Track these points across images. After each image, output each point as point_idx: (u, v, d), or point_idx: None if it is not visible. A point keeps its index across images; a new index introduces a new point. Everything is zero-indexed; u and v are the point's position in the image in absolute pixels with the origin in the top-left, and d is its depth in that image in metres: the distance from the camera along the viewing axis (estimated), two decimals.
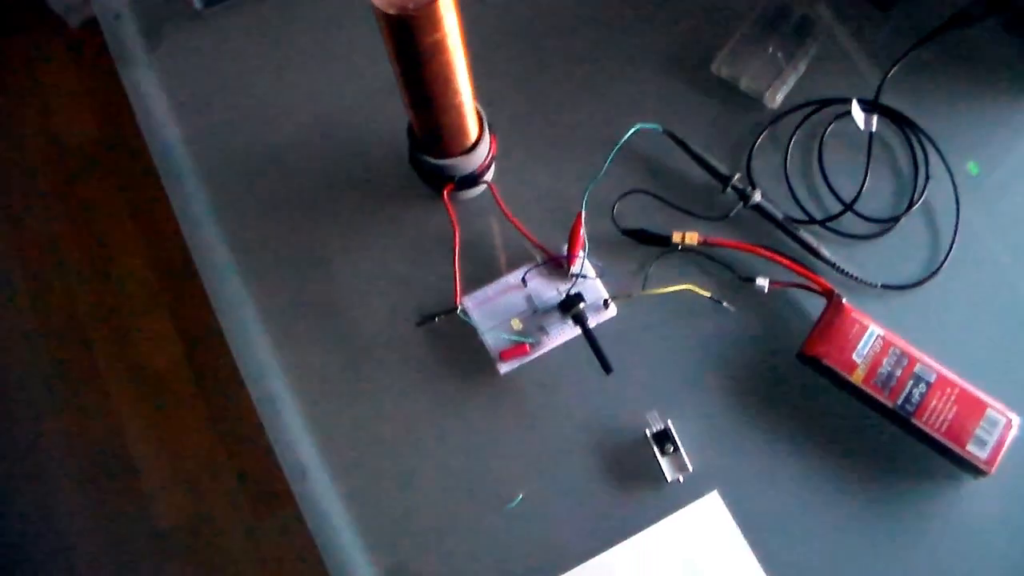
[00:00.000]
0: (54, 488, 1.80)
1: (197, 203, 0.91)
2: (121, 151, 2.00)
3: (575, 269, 0.82)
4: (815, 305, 0.80)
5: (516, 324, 0.81)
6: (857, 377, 0.76)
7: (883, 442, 0.77)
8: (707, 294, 0.81)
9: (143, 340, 1.89)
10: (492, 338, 0.81)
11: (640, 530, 0.76)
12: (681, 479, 0.77)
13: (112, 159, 2.01)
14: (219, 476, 1.78)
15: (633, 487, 0.78)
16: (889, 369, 0.76)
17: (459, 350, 0.82)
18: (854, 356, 0.76)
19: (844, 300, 0.78)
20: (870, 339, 0.77)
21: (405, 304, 0.84)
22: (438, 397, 0.82)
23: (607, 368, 0.77)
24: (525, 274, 0.82)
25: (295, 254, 0.88)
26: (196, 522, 1.75)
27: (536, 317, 0.82)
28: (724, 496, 0.77)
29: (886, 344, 0.77)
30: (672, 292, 0.81)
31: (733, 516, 0.76)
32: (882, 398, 0.75)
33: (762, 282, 0.81)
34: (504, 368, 0.80)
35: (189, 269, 0.88)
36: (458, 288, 0.81)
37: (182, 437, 1.82)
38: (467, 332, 0.81)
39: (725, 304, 0.82)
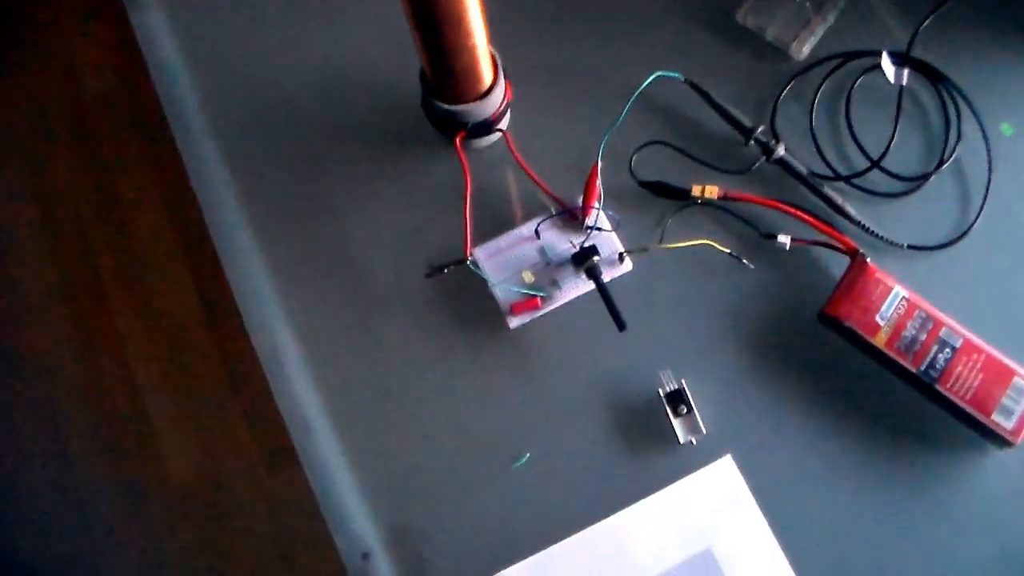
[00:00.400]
0: (68, 441, 1.79)
1: (205, 148, 0.88)
2: (141, 102, 1.97)
3: (590, 221, 0.79)
4: (838, 264, 0.77)
5: (528, 277, 0.79)
6: (880, 340, 0.73)
7: (905, 409, 0.75)
8: (726, 250, 0.79)
9: (160, 293, 1.87)
10: (503, 291, 0.78)
11: (650, 493, 0.74)
12: (694, 441, 0.75)
13: (131, 109, 1.99)
14: (232, 431, 1.77)
15: (644, 449, 0.76)
16: (913, 333, 0.73)
17: (468, 303, 0.80)
18: (877, 318, 0.74)
19: (868, 260, 0.76)
20: (894, 301, 0.74)
21: (414, 254, 0.81)
22: (446, 350, 0.80)
23: (620, 325, 0.75)
24: (538, 225, 0.80)
25: (303, 201, 0.86)
26: (209, 477, 1.74)
27: (549, 270, 0.79)
28: (738, 460, 0.75)
29: (911, 307, 0.74)
30: (690, 247, 0.78)
31: (747, 481, 0.74)
32: (905, 363, 0.73)
33: (784, 239, 0.78)
34: (514, 322, 0.78)
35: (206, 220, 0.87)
36: (468, 239, 0.78)
37: (196, 391, 1.80)
38: (477, 284, 0.79)
39: (745, 261, 0.79)
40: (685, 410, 0.75)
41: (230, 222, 0.85)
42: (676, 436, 0.75)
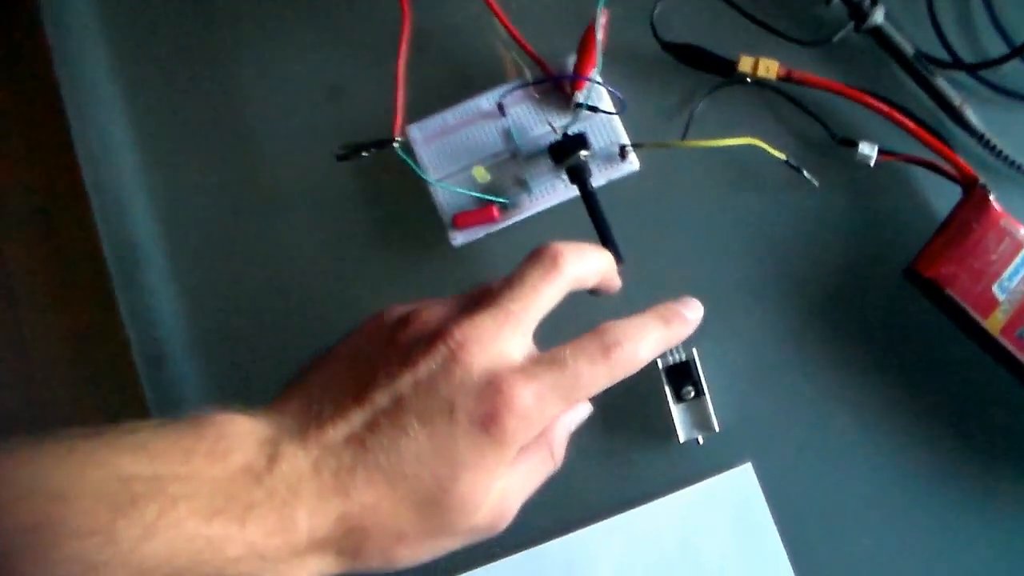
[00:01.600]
0: (15, 286, 1.69)
1: None
2: None
3: (581, 97, 0.56)
4: (945, 197, 0.54)
5: (481, 174, 0.56)
6: (994, 323, 0.50)
7: (1013, 422, 0.54)
8: (781, 156, 0.56)
9: None
10: (445, 192, 0.56)
11: (629, 507, 0.55)
12: (700, 440, 0.54)
13: None
14: None
15: (630, 443, 0.56)
16: None
17: (396, 204, 0.58)
18: (995, 288, 0.51)
19: (992, 197, 0.52)
20: None
21: (327, 126, 0.59)
22: (360, 267, 0.59)
23: (616, 255, 0.52)
24: (504, 96, 0.56)
25: (184, 38, 0.63)
26: None
27: (514, 164, 0.57)
28: (760, 473, 0.54)
29: None
30: (728, 147, 0.55)
31: (769, 503, 0.54)
32: None
33: (868, 150, 0.55)
34: (459, 239, 0.56)
35: None
36: (399, 110, 0.54)
37: None
38: (410, 178, 0.56)
39: (806, 174, 0.56)
40: (692, 393, 0.54)
41: (83, 56, 0.63)
42: (675, 430, 0.54)
